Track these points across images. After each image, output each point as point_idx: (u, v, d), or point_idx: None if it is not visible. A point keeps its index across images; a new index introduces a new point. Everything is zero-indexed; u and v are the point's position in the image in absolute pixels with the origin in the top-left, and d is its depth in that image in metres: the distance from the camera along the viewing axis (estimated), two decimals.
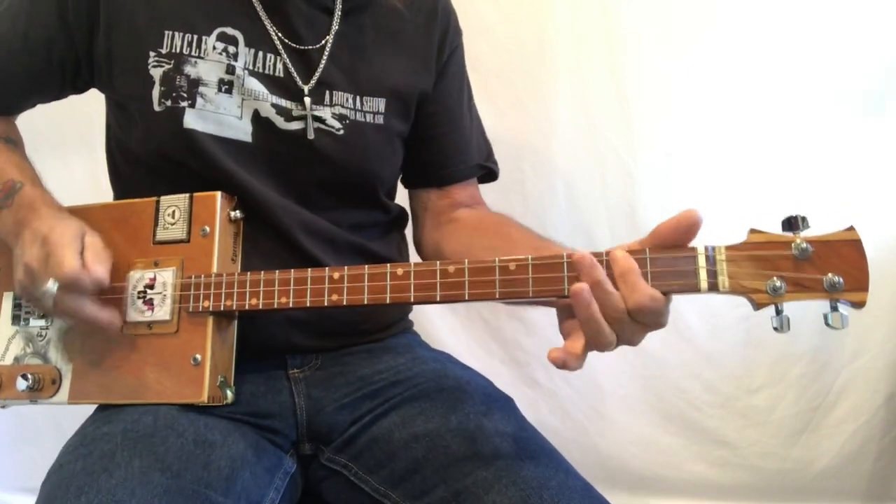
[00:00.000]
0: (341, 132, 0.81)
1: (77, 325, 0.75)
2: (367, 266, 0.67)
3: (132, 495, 0.60)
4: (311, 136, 0.79)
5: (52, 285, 0.68)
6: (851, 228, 0.56)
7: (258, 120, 0.78)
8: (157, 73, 0.76)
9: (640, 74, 1.30)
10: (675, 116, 1.29)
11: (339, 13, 0.83)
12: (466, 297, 0.63)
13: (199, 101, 0.76)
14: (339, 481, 0.78)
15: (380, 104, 0.84)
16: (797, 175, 1.24)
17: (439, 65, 0.91)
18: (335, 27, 0.83)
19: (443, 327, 1.38)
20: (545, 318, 1.36)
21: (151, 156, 0.78)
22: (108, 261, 0.72)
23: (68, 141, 1.47)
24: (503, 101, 1.33)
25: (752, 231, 0.58)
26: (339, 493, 0.78)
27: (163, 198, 0.76)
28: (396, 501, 0.72)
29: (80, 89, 0.86)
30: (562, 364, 0.60)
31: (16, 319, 0.80)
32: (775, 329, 0.58)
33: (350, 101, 0.83)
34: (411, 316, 0.98)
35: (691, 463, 1.33)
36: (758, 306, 0.57)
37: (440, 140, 0.93)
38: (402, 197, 0.97)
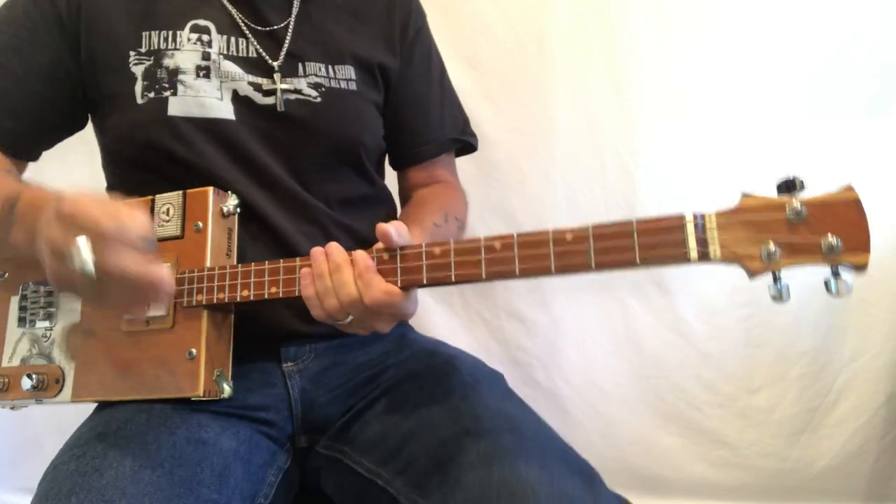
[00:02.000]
0: (318, 100, 0.83)
1: (120, 296, 0.63)
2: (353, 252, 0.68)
3: (122, 494, 0.60)
4: (280, 108, 0.81)
5: (82, 244, 0.58)
6: (850, 188, 0.53)
7: (238, 99, 0.81)
8: (138, 70, 0.79)
9: (640, 74, 1.30)
10: (675, 116, 1.29)
11: None
12: (453, 279, 0.63)
13: (181, 88, 0.78)
14: (335, 467, 0.78)
15: (350, 71, 0.87)
16: (797, 174, 1.24)
17: (404, 47, 0.93)
18: (296, 6, 0.86)
19: (443, 327, 1.39)
20: (545, 318, 1.36)
21: (138, 149, 0.79)
22: (139, 206, 0.64)
23: (68, 141, 1.47)
24: (503, 100, 1.33)
25: (745, 196, 0.55)
26: (336, 479, 0.79)
27: (157, 196, 0.77)
28: (387, 479, 0.72)
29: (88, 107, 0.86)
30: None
31: (21, 321, 0.81)
32: (773, 298, 0.54)
33: (322, 69, 0.85)
34: None
35: (691, 463, 1.33)
36: (752, 274, 0.54)
37: (405, 124, 0.94)
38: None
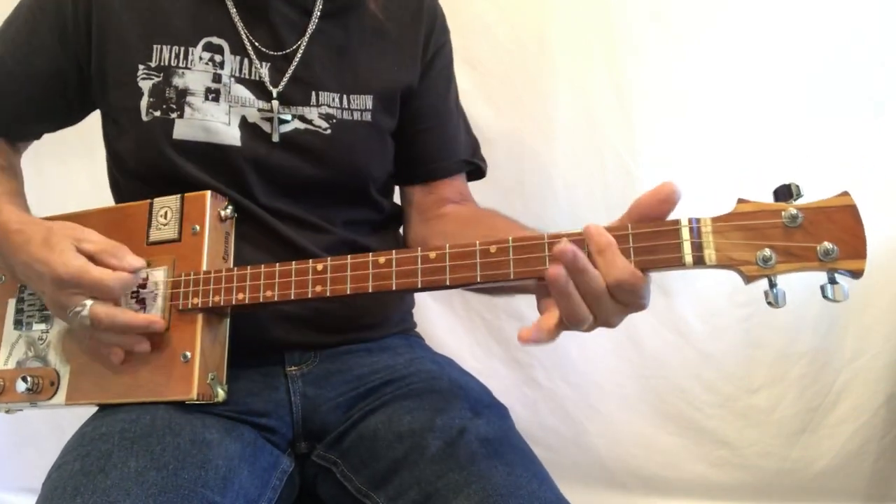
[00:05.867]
0: (328, 131, 0.82)
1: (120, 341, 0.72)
2: (349, 256, 0.67)
3: (127, 495, 0.60)
4: (275, 139, 0.80)
5: (83, 307, 0.69)
6: (846, 193, 0.54)
7: (246, 125, 0.79)
8: (145, 85, 0.77)
9: (640, 74, 1.30)
10: (676, 116, 1.29)
11: (318, 14, 0.84)
12: (448, 283, 0.62)
13: (188, 110, 0.77)
14: (328, 479, 0.78)
15: (367, 101, 0.84)
16: (798, 174, 1.24)
17: (425, 60, 0.91)
18: (311, 29, 0.83)
19: (443, 327, 1.38)
20: None
21: (143, 166, 0.79)
22: (122, 247, 0.72)
23: (68, 142, 1.46)
24: (503, 101, 1.33)
25: (741, 201, 0.56)
26: (329, 491, 0.79)
27: (156, 199, 0.77)
28: (377, 503, 0.72)
29: (87, 110, 0.87)
30: (533, 341, 0.59)
31: (18, 324, 0.81)
32: (769, 304, 0.55)
33: (336, 100, 0.83)
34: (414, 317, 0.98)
35: (691, 463, 1.33)
36: (748, 279, 0.55)
37: (425, 136, 0.92)
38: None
